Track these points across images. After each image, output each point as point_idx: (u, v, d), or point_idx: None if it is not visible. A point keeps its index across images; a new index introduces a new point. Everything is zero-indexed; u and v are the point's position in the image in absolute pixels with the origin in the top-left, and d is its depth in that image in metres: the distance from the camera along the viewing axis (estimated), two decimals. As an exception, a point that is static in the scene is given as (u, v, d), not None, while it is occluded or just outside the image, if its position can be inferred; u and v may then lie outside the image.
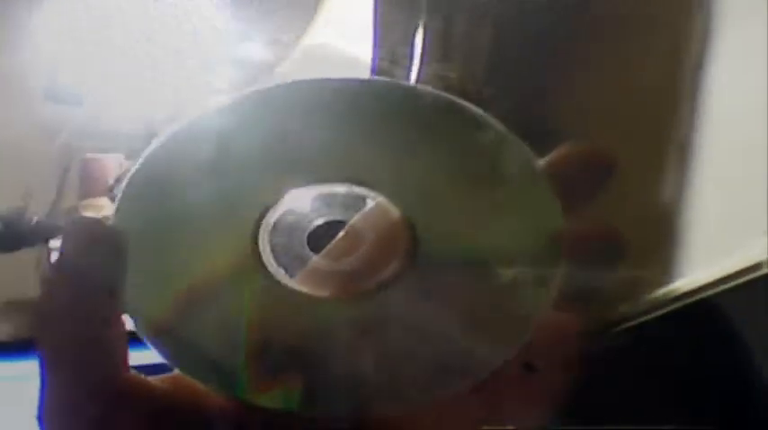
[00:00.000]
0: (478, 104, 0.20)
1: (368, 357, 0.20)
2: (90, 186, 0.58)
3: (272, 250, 0.20)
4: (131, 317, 0.20)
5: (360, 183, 0.20)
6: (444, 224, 0.20)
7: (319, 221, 0.21)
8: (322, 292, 0.20)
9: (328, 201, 0.21)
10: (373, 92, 0.22)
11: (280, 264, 0.20)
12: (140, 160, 0.21)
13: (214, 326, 0.20)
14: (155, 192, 0.21)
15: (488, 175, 0.21)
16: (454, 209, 0.20)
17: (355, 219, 0.22)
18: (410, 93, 0.21)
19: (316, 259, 0.21)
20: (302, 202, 0.21)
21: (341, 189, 0.21)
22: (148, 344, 0.20)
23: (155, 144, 0.21)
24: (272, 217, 0.20)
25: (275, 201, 0.20)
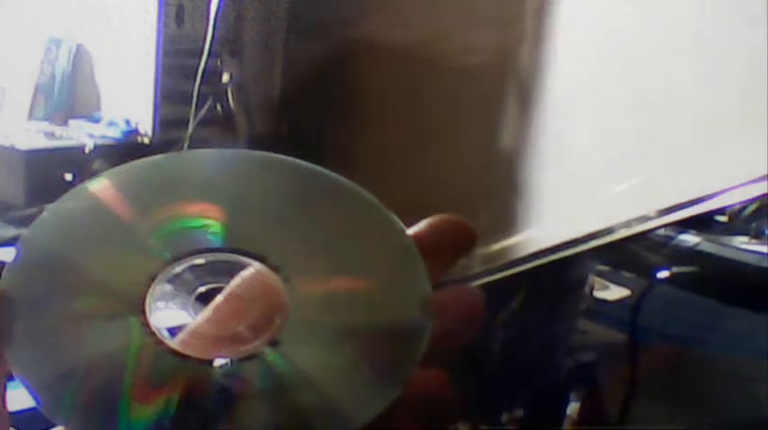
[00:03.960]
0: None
1: (259, 416, 0.21)
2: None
3: (160, 317, 0.21)
4: (18, 374, 0.20)
5: (240, 251, 0.22)
6: (319, 287, 0.22)
7: (202, 289, 0.23)
8: (208, 355, 0.21)
9: (211, 268, 0.22)
10: (250, 163, 0.23)
11: (167, 330, 0.21)
12: (28, 230, 0.22)
13: (100, 386, 0.20)
14: (43, 260, 0.22)
15: (359, 242, 0.22)
16: (329, 272, 0.22)
17: (234, 283, 0.23)
18: (287, 165, 0.23)
19: (198, 323, 0.23)
20: (186, 271, 0.22)
21: (222, 257, 0.22)
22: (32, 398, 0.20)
23: (45, 214, 0.22)
24: (158, 286, 0.21)
25: (161, 271, 0.21)
